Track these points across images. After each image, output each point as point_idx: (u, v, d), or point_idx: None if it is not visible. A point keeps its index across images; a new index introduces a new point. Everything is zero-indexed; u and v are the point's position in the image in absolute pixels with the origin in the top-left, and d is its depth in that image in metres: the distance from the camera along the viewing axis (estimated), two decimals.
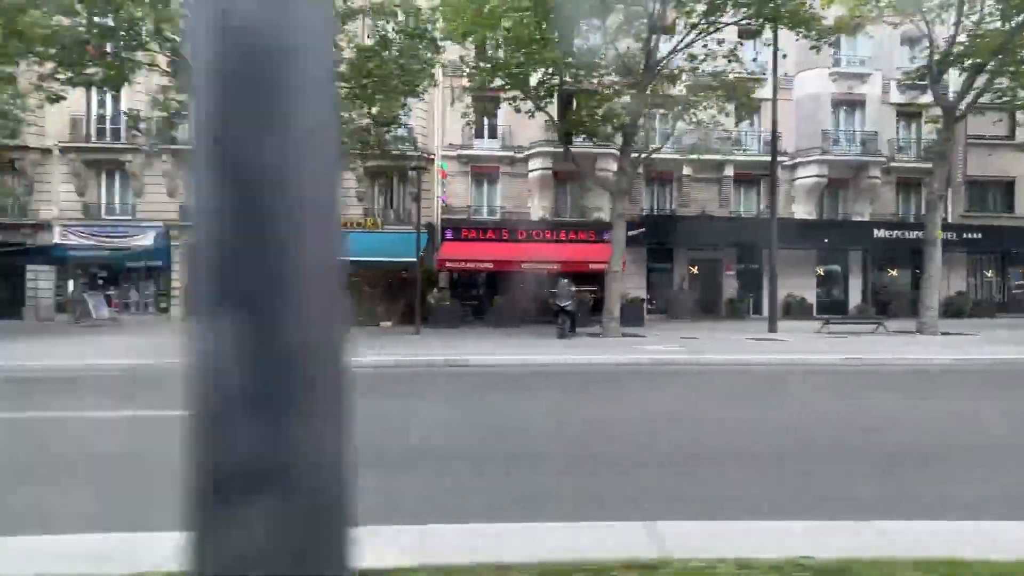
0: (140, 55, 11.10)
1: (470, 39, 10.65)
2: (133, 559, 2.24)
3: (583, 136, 13.93)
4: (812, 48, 11.19)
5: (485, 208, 19.55)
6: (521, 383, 7.62)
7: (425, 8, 12.12)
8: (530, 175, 19.02)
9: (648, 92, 11.91)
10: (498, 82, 12.62)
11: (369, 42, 12.30)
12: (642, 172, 19.80)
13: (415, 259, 16.69)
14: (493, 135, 19.46)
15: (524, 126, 18.43)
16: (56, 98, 11.27)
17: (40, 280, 18.17)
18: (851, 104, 19.36)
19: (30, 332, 13.96)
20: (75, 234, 17.83)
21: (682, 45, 11.65)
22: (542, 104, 12.51)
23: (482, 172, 19.34)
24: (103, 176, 18.60)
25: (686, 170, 19.18)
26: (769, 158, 19.54)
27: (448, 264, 16.69)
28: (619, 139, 13.50)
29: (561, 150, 18.47)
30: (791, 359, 9.14)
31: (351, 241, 17.02)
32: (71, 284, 18.37)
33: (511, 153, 19.04)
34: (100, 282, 18.46)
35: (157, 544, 2.32)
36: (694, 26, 11.22)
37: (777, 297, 14.28)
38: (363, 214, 18.82)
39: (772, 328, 13.11)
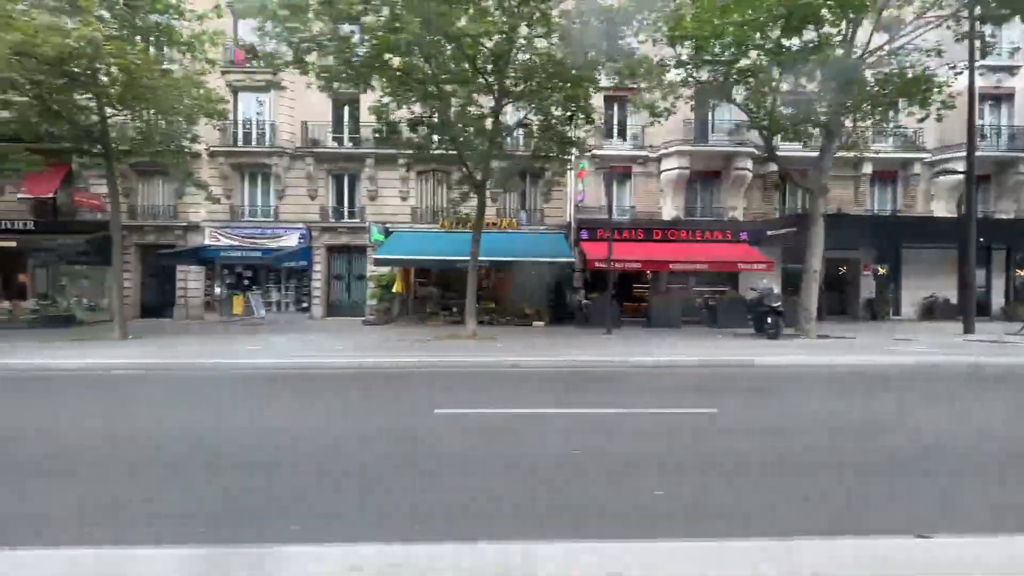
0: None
1: (690, 42, 10.59)
2: None
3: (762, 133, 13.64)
4: None
5: (615, 208, 19.44)
6: (895, 387, 7.03)
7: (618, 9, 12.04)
8: (663, 175, 18.91)
9: (852, 89, 11.64)
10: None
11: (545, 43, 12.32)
12: (777, 171, 19.58)
13: (571, 259, 16.80)
14: (622, 135, 19.42)
15: (655, 125, 18.34)
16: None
17: (190, 280, 18.77)
18: (997, 98, 18.74)
19: (220, 331, 14.42)
20: (223, 235, 18.37)
21: (895, 39, 11.39)
22: (740, 103, 12.38)
23: (613, 172, 19.24)
24: (246, 179, 19.12)
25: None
26: (910, 155, 19.19)
27: (597, 264, 16.63)
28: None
29: (698, 149, 18.49)
30: None
31: (498, 242, 17.16)
32: (217, 284, 18.94)
33: (644, 153, 18.95)
34: (246, 282, 18.99)
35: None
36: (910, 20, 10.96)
37: (973, 296, 13.81)
38: (496, 215, 18.93)
39: (969, 329, 12.73)
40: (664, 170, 18.80)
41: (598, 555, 2.30)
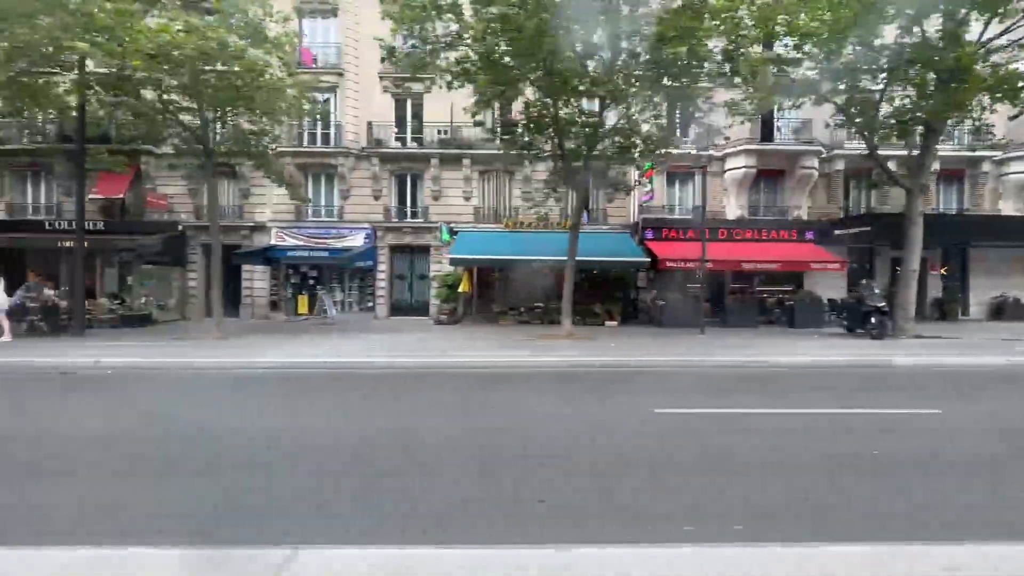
0: None
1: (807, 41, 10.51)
2: None
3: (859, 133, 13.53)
4: None
5: (678, 207, 19.43)
6: None
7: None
8: (727, 174, 18.81)
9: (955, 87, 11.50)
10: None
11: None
12: (842, 169, 19.45)
13: (646, 258, 16.73)
14: (685, 133, 19.31)
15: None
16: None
17: (255, 280, 18.88)
18: None
19: (302, 330, 14.49)
20: (289, 235, 18.47)
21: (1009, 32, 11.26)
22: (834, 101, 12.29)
23: (676, 171, 19.19)
24: (310, 179, 19.20)
25: (891, 166, 18.59)
26: (977, 153, 18.96)
27: (668, 263, 16.58)
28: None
29: (766, 148, 18.39)
30: None
31: (566, 241, 17.10)
32: (285, 284, 19.08)
33: (708, 152, 18.81)
34: (311, 282, 19.09)
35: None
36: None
37: None
38: (559, 215, 18.87)
39: None
40: (729, 169, 18.70)
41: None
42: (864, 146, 18.07)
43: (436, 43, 10.21)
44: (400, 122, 19.23)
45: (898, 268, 20.13)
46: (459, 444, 4.34)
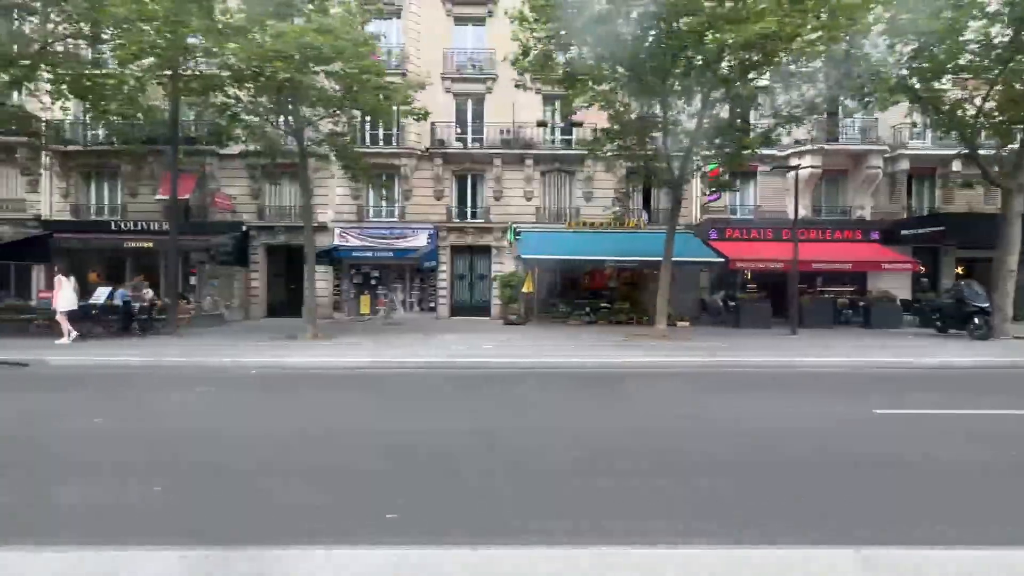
0: None
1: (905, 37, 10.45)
2: None
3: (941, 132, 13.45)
4: None
5: (739, 207, 19.38)
6: None
7: None
8: (790, 174, 18.69)
9: None
10: None
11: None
12: (907, 169, 19.32)
13: (721, 259, 16.67)
14: (747, 132, 19.23)
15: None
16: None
17: (318, 280, 18.88)
18: None
19: (380, 330, 14.51)
20: (352, 236, 18.51)
21: None
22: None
23: (736, 171, 19.10)
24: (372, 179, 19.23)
25: (955, 166, 18.50)
26: None
27: (739, 264, 16.54)
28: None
29: (832, 147, 18.30)
30: None
31: (632, 241, 17.09)
32: (345, 284, 19.15)
33: (772, 151, 18.74)
34: (372, 282, 19.14)
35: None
36: None
37: None
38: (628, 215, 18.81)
39: None
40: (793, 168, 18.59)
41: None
42: (929, 145, 18.09)
43: (552, 43, 10.18)
44: (461, 122, 19.28)
45: (958, 268, 20.11)
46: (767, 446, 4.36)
